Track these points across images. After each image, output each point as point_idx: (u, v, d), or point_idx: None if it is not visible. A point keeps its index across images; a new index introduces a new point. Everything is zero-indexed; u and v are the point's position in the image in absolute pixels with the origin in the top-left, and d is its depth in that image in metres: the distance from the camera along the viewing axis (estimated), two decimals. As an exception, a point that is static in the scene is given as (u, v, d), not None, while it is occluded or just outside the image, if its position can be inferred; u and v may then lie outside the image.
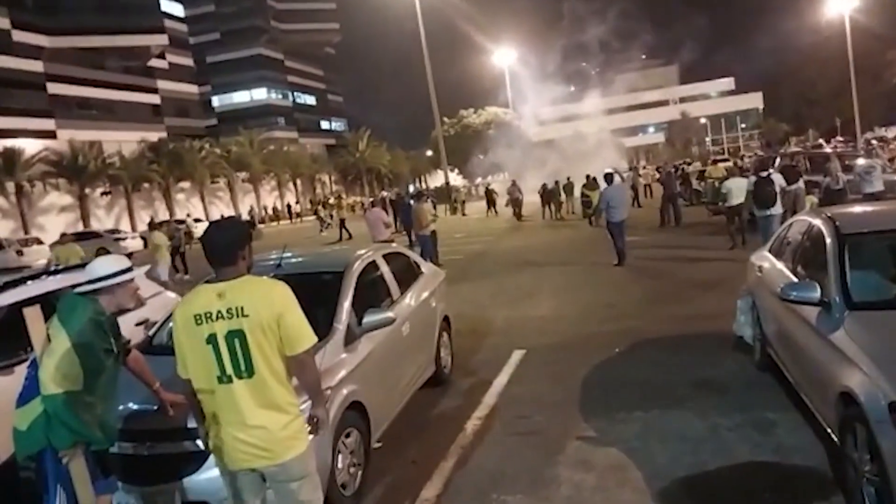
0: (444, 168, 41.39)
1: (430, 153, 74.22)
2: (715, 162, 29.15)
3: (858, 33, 52.65)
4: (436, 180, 65.97)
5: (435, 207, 31.53)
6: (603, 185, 15.72)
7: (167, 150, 56.58)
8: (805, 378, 4.67)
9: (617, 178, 15.62)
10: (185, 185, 59.64)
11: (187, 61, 78.83)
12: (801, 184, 14.23)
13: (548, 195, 28.49)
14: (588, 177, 24.82)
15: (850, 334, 3.90)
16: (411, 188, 69.54)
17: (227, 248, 2.92)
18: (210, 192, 62.68)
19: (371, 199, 19.00)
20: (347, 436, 4.25)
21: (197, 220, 44.10)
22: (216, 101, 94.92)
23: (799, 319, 4.62)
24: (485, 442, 5.22)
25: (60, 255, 13.56)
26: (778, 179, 12.68)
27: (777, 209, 12.02)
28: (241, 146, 65.56)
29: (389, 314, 4.95)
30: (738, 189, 13.98)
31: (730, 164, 25.83)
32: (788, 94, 75.36)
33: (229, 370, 2.83)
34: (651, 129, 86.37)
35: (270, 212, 64.49)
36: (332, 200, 37.53)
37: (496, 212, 34.58)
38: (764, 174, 12.52)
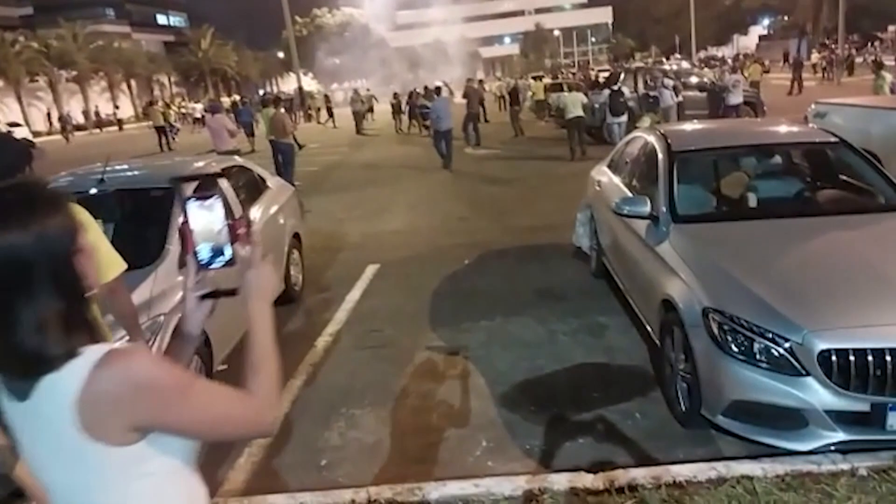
0: (296, 71, 39.34)
1: (281, 55, 70.30)
2: (535, 79, 30.11)
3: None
4: (288, 84, 62.92)
5: (294, 115, 29.96)
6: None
7: (-29, 43, 49.33)
8: (634, 286, 5.04)
9: (444, 92, 17.79)
10: (-2, 83, 52.66)
11: (-9, -64, 67.83)
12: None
13: (398, 105, 27.63)
14: (426, 88, 25.20)
15: (674, 246, 4.22)
16: (261, 92, 66.01)
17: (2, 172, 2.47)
18: (29, 92, 55.73)
19: (211, 103, 17.11)
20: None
21: (13, 125, 39.24)
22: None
23: (631, 232, 4.92)
24: (335, 358, 5.23)
25: None
26: (626, 92, 14.60)
27: (624, 118, 14.00)
28: (62, 40, 58.26)
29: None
30: (573, 103, 14.88)
31: (548, 80, 28.22)
32: (635, 10, 78.19)
33: None
34: (507, 40, 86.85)
35: (92, 116, 55.79)
36: (158, 105, 32.94)
37: (334, 124, 32.27)
38: (615, 87, 13.53)
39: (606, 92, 15.40)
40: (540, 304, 5.93)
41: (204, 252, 1.36)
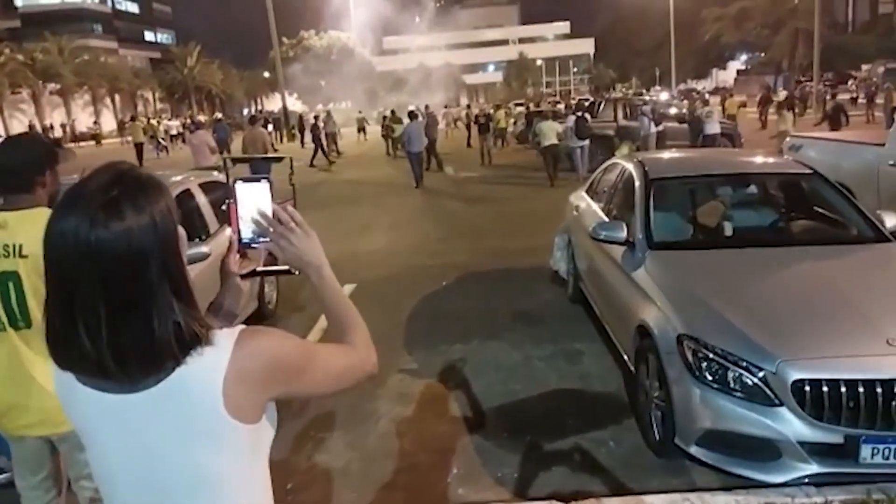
0: (281, 91, 39.34)
1: (267, 74, 70.38)
2: (496, 107, 30.48)
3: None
4: (273, 104, 62.94)
5: (279, 134, 29.58)
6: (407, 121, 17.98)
7: (-47, 52, 48.83)
8: (610, 311, 5.01)
9: (419, 116, 18.67)
10: (-21, 94, 52.07)
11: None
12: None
13: (386, 128, 27.87)
14: (393, 112, 25.71)
15: (650, 272, 4.20)
16: (246, 111, 65.90)
17: (20, 170, 2.44)
18: (11, 104, 55.17)
19: (192, 120, 17.02)
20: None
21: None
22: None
23: (607, 257, 4.91)
24: (306, 378, 5.12)
25: None
26: (588, 119, 16.02)
27: (587, 142, 15.35)
28: (48, 54, 57.89)
29: (203, 248, 4.62)
30: (549, 130, 15.34)
31: (522, 108, 29.44)
32: (617, 42, 79.66)
33: (2, 317, 2.41)
34: (491, 68, 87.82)
35: (68, 130, 54.05)
36: (128, 121, 31.99)
37: (303, 143, 31.39)
38: (580, 114, 15.91)
39: (573, 117, 16.23)
40: (516, 328, 5.89)
41: (247, 231, 1.38)
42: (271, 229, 1.33)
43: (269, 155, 13.32)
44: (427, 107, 24.70)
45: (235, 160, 12.00)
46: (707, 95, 27.87)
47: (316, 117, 26.16)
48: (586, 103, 21.82)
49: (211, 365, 1.10)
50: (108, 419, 1.14)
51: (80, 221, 1.04)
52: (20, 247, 2.36)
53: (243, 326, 1.18)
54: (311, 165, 22.45)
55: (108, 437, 1.16)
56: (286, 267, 1.42)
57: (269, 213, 1.33)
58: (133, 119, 31.88)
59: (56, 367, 1.16)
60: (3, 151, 2.49)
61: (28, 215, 2.39)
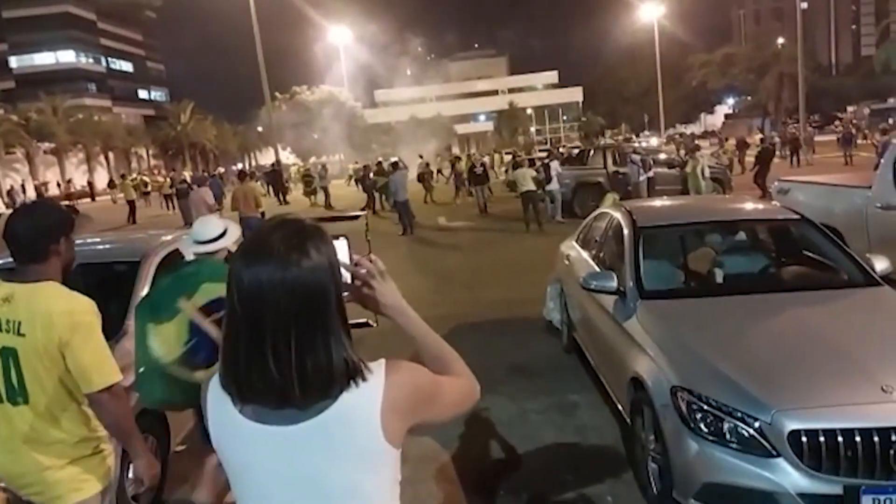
0: (274, 146, 39.70)
1: (260, 129, 71.22)
2: (456, 159, 30.58)
3: (666, 39, 57.93)
4: (266, 158, 63.51)
5: (273, 190, 29.52)
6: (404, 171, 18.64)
7: (-52, 114, 49.32)
8: (604, 362, 4.99)
9: (402, 167, 19.49)
10: (-28, 155, 52.45)
11: (-24, 14, 69.30)
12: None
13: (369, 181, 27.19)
14: (379, 163, 25.86)
15: (641, 322, 4.20)
16: (239, 165, 66.46)
17: (33, 239, 2.37)
18: (5, 163, 55.56)
19: (194, 177, 17.32)
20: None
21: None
22: (14, 61, 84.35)
23: (599, 307, 4.91)
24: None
25: None
26: (554, 165, 17.36)
27: (553, 185, 16.51)
28: (42, 114, 58.60)
29: (193, 308, 4.58)
30: (523, 177, 15.92)
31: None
32: (605, 90, 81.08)
33: (1, 390, 2.37)
34: (482, 118, 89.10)
35: (61, 189, 53.78)
36: (129, 179, 32.29)
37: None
38: (546, 161, 17.95)
39: (555, 163, 17.66)
40: (511, 381, 5.83)
41: None
42: (355, 279, 1.41)
43: (345, 214, 13.33)
44: (398, 159, 24.60)
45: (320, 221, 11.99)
46: (696, 140, 28.36)
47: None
48: (575, 151, 22.19)
49: (369, 394, 1.24)
50: (270, 450, 1.26)
51: (275, 263, 1.20)
52: (19, 325, 2.31)
53: (384, 360, 1.30)
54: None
55: (266, 467, 1.28)
56: (364, 320, 1.50)
57: (349, 266, 1.41)
58: (123, 177, 32.07)
59: (214, 404, 1.31)
60: (17, 220, 2.41)
61: (33, 290, 2.35)
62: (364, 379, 1.25)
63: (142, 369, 3.22)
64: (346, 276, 1.39)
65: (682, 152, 18.38)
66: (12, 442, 2.40)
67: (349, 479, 1.26)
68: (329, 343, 1.23)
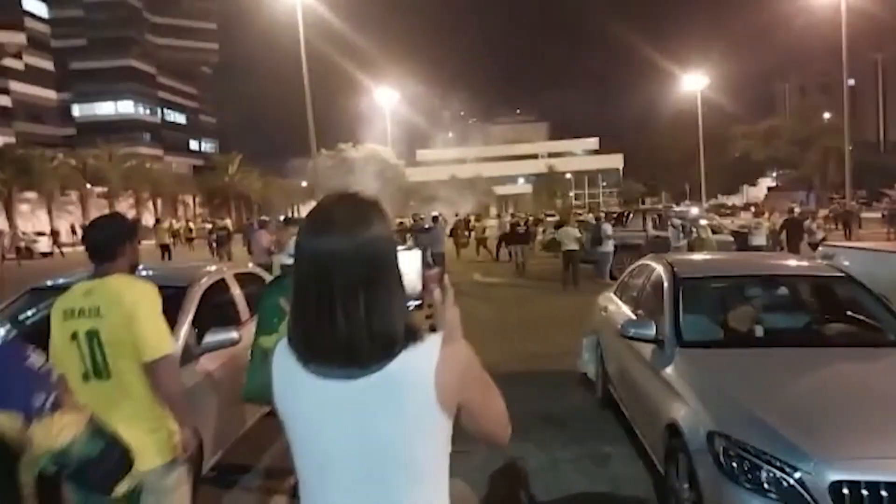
0: (317, 199, 40.52)
1: (305, 184, 72.99)
2: (477, 218, 30.94)
3: (708, 109, 58.13)
4: (309, 209, 64.72)
5: None
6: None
7: (12, 157, 51.81)
8: (639, 411, 4.90)
9: (440, 221, 20.55)
10: (32, 195, 54.70)
11: (47, 64, 73.50)
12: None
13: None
14: (415, 217, 26.86)
15: (679, 370, 4.15)
16: (282, 216, 67.74)
17: (105, 243, 2.89)
18: (59, 205, 57.78)
19: (259, 220, 19.34)
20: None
21: (40, 234, 40.67)
22: (77, 110, 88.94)
23: (636, 356, 4.86)
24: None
25: None
26: (606, 227, 17.02)
27: (607, 247, 16.33)
28: (99, 159, 61.23)
29: (233, 335, 4.68)
30: (566, 236, 16.06)
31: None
32: (646, 157, 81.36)
33: (90, 370, 2.79)
34: (521, 181, 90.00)
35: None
36: (166, 224, 33.22)
37: None
38: (595, 222, 17.77)
39: (608, 225, 17.65)
40: (542, 430, 5.74)
41: None
42: (429, 286, 1.55)
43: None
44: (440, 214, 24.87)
45: None
46: (751, 209, 28.29)
47: None
48: (615, 214, 22.19)
49: (424, 357, 1.33)
50: (331, 404, 1.35)
51: (342, 233, 1.33)
52: (98, 308, 2.78)
53: (442, 331, 1.40)
54: None
55: (326, 422, 1.37)
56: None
57: (419, 278, 1.56)
58: (158, 221, 33.22)
59: (280, 363, 1.42)
60: (94, 228, 2.95)
61: (108, 282, 2.83)
62: (422, 340, 1.35)
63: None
64: (417, 286, 1.51)
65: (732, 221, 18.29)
66: (100, 415, 2.58)
67: (403, 439, 1.34)
68: (393, 305, 1.34)
